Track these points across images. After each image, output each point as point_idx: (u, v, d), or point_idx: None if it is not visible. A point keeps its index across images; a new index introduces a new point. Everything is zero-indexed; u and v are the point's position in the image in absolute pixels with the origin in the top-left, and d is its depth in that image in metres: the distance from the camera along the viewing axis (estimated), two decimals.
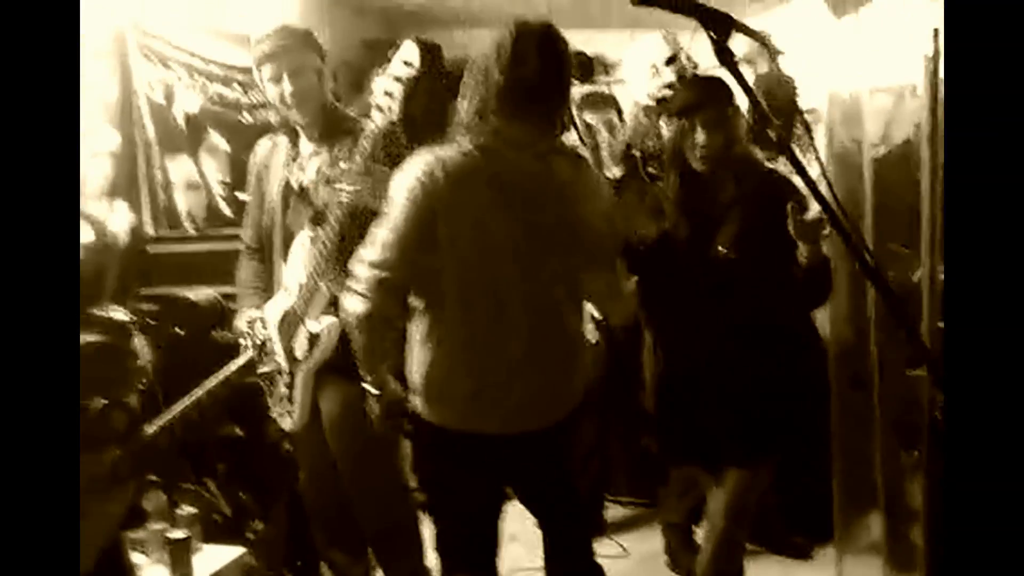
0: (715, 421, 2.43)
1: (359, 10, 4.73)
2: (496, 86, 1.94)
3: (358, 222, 2.30)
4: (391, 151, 2.38)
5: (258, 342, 2.50)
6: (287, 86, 2.49)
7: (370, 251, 1.97)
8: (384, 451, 2.62)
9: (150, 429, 1.94)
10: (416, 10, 4.60)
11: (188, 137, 3.93)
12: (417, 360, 2.05)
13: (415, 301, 2.04)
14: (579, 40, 4.68)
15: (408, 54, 2.17)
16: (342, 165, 2.31)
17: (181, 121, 3.89)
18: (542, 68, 1.96)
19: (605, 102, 3.77)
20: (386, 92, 2.20)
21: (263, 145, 2.74)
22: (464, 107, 2.00)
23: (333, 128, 2.57)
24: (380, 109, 2.22)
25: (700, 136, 2.39)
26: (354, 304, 1.97)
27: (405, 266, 1.95)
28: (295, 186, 2.60)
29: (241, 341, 2.51)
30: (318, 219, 2.48)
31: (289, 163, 2.63)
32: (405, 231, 1.94)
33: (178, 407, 2.03)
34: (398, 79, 2.18)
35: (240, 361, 2.36)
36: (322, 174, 2.53)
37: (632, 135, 3.58)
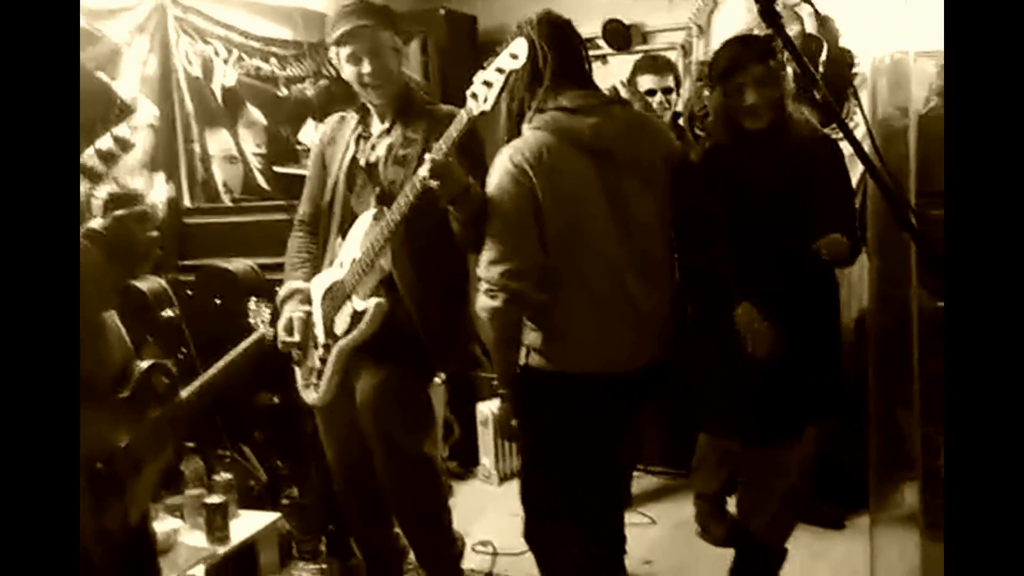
0: (776, 382, 2.39)
1: None
2: (544, 67, 2.17)
3: (425, 208, 2.29)
4: (470, 147, 2.35)
5: (265, 318, 2.47)
6: (366, 67, 2.47)
7: (487, 251, 2.14)
8: (418, 432, 2.61)
9: (184, 393, 1.97)
10: None
11: (226, 111, 3.97)
12: (544, 320, 2.20)
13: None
14: (616, 9, 4.66)
15: (517, 48, 2.14)
16: (429, 154, 2.27)
17: (219, 95, 3.93)
18: (572, 38, 2.26)
19: (663, 67, 3.72)
20: (485, 82, 2.16)
21: (330, 121, 2.73)
22: (511, 105, 2.22)
23: (408, 108, 2.55)
24: (475, 97, 2.17)
25: (749, 95, 2.37)
26: (485, 301, 2.14)
27: (522, 251, 2.13)
28: (362, 163, 2.59)
29: (251, 320, 2.49)
30: (384, 198, 2.46)
31: (358, 140, 2.61)
32: (512, 220, 2.13)
33: (209, 373, 2.06)
34: (501, 71, 2.15)
35: (252, 339, 2.31)
36: (393, 153, 2.51)
37: (687, 98, 3.58)
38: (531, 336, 2.22)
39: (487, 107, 2.17)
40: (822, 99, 2.10)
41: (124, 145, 2.78)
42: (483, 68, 2.19)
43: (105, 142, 2.69)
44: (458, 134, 2.21)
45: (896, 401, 2.73)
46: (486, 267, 2.14)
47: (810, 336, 2.43)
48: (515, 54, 2.14)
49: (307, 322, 2.56)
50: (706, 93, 2.54)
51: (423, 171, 2.20)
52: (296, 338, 2.54)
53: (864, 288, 3.30)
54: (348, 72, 2.52)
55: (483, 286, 2.15)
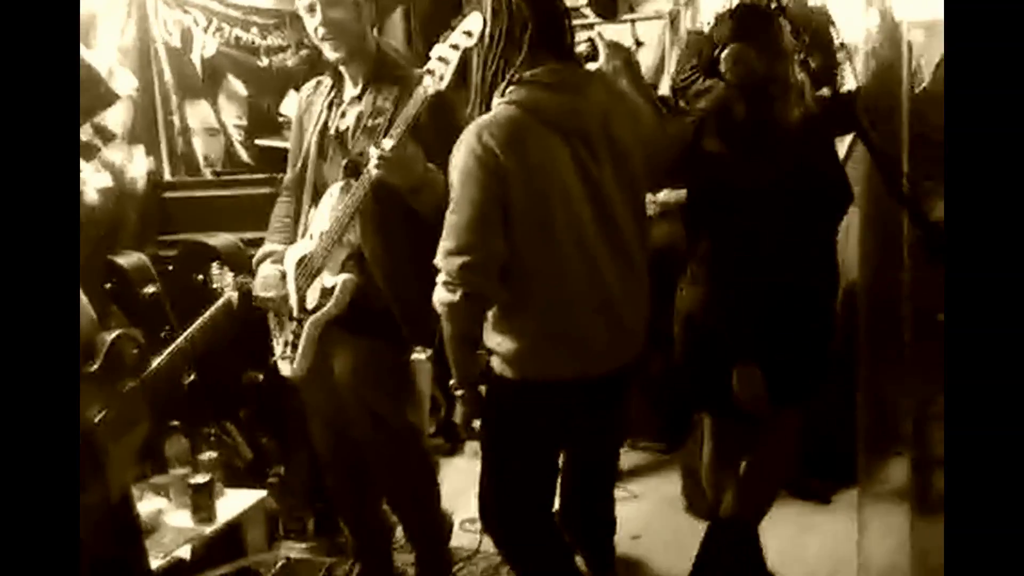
0: (766, 357, 2.34)
1: None
2: (522, 34, 1.99)
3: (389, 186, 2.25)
4: (440, 122, 2.28)
5: (228, 283, 2.43)
6: (318, 16, 2.37)
7: (447, 240, 1.97)
8: (400, 403, 2.58)
9: (155, 362, 1.95)
10: None
11: (206, 82, 3.89)
12: (509, 323, 2.04)
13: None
14: None
15: (472, 24, 2.06)
16: (392, 134, 2.20)
17: (199, 66, 3.85)
18: (555, 4, 2.07)
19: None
20: (440, 58, 2.10)
21: (307, 86, 2.66)
22: (483, 75, 2.04)
23: (380, 74, 2.46)
24: (432, 74, 2.12)
25: (752, 63, 2.32)
26: (443, 294, 1.98)
27: (485, 243, 1.94)
28: (332, 131, 2.52)
29: (213, 285, 2.44)
30: (352, 169, 2.39)
31: (330, 106, 2.54)
32: (475, 208, 1.94)
33: (179, 340, 2.04)
34: (455, 47, 2.08)
35: (220, 303, 2.29)
36: (362, 122, 2.44)
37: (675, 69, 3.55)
38: (495, 340, 2.05)
39: (443, 85, 2.12)
40: (818, 69, 2.08)
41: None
42: (439, 42, 2.12)
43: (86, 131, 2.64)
44: (416, 112, 2.16)
45: (886, 376, 2.73)
46: (444, 257, 1.96)
47: (807, 322, 2.44)
48: (469, 31, 2.06)
49: (283, 281, 2.53)
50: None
51: (371, 165, 2.17)
52: (271, 294, 2.51)
53: (854, 262, 3.29)
54: (308, 25, 2.44)
55: (440, 277, 1.99)
